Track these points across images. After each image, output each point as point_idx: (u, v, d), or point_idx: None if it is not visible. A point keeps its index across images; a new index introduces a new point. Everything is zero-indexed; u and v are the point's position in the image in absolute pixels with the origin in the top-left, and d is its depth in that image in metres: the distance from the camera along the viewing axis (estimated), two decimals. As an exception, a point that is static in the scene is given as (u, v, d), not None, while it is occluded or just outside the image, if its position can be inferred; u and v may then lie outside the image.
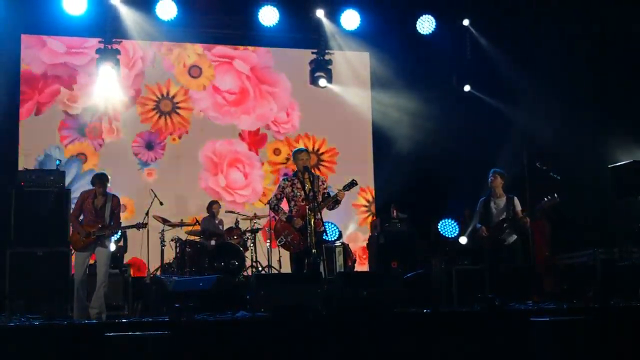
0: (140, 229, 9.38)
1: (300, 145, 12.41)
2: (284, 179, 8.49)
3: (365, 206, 13.05)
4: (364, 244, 12.23)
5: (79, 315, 8.33)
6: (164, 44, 12.52)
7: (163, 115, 12.46)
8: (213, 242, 10.86)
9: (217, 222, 11.33)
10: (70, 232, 8.84)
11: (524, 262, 9.28)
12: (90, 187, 8.82)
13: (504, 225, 9.05)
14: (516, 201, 9.19)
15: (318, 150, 13.07)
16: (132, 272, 10.33)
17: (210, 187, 12.46)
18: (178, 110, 12.54)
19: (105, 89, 12.03)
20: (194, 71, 12.71)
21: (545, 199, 8.89)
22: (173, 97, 12.54)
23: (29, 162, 11.26)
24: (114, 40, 11.56)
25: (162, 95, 12.50)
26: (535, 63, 11.23)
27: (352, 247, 11.78)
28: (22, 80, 11.85)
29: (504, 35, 11.69)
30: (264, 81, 12.98)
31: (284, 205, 8.37)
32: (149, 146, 12.37)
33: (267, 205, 8.85)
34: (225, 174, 12.60)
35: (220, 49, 12.86)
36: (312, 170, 8.78)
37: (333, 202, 8.18)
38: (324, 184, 8.38)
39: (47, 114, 12.00)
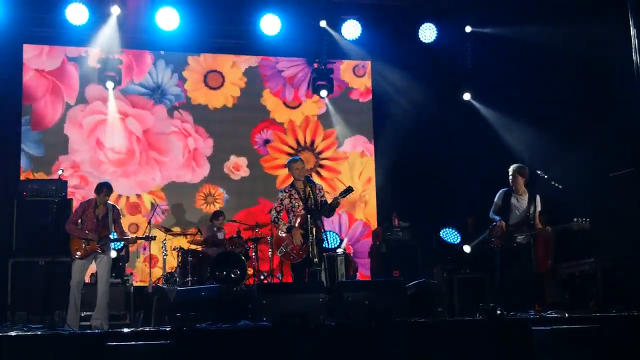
0: (149, 241, 9.46)
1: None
2: (281, 191, 8.47)
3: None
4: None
5: (73, 322, 8.31)
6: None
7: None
8: (215, 251, 10.85)
9: (218, 231, 11.34)
10: (72, 240, 8.82)
11: (529, 268, 9.13)
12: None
13: (523, 228, 8.79)
14: (538, 200, 8.90)
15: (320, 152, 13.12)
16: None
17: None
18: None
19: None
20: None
21: (576, 220, 8.56)
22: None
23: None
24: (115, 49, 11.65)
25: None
26: (538, 69, 11.22)
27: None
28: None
29: (505, 43, 11.67)
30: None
31: (284, 217, 8.38)
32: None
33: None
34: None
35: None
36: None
37: (329, 209, 8.18)
38: (320, 192, 8.35)
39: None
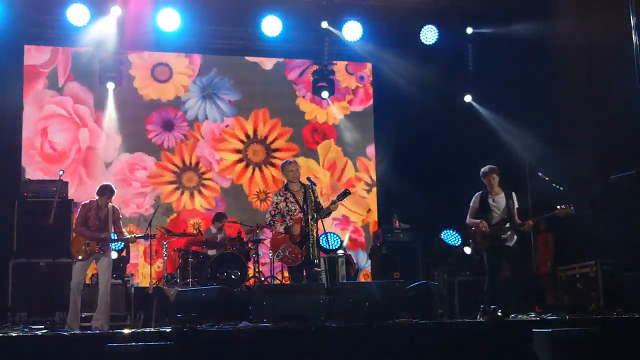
0: (149, 239, 9.46)
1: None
2: (276, 194, 8.30)
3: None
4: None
5: (73, 323, 8.31)
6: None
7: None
8: (216, 253, 10.85)
9: (220, 232, 11.34)
10: (73, 242, 8.82)
11: (524, 270, 9.05)
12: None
13: (506, 225, 8.63)
14: (514, 197, 8.77)
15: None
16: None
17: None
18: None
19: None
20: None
21: (561, 207, 8.45)
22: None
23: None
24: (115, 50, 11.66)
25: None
26: (539, 71, 11.22)
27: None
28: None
29: (506, 45, 11.67)
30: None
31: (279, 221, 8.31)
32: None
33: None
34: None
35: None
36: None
37: (326, 212, 8.09)
38: (314, 193, 8.25)
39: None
